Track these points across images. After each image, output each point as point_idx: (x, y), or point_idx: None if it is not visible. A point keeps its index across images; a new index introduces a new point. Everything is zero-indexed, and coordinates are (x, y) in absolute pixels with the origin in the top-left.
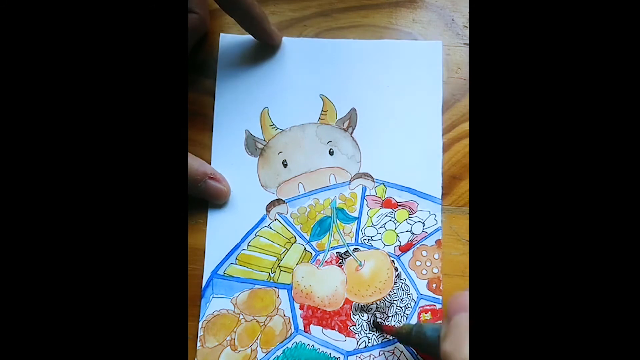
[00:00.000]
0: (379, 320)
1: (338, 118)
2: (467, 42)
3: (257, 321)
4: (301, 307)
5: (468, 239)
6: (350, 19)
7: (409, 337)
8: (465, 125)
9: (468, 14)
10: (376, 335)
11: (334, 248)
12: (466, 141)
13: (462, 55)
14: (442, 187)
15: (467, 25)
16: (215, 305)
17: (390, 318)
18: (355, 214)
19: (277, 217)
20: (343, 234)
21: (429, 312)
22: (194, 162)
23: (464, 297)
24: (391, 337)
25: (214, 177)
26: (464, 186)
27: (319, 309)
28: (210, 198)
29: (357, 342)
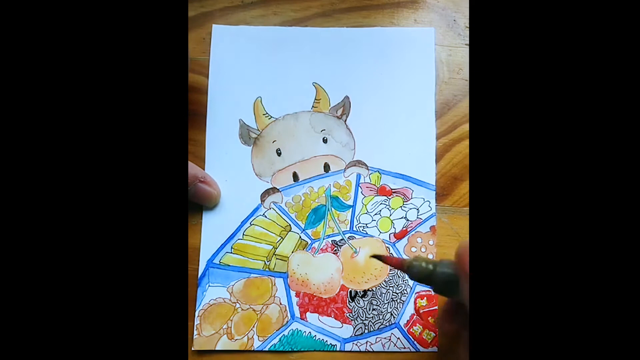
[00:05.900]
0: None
1: (331, 106)
2: (468, 42)
3: (254, 309)
4: (297, 295)
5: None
6: (351, 19)
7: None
8: (467, 126)
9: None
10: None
11: (329, 236)
12: (467, 142)
13: (464, 55)
14: (436, 174)
15: (469, 25)
16: (211, 294)
17: (386, 305)
18: (350, 202)
19: (272, 205)
20: (338, 221)
21: (425, 298)
22: None
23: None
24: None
25: (204, 181)
26: (465, 187)
27: (315, 296)
28: (200, 201)
29: (354, 328)
